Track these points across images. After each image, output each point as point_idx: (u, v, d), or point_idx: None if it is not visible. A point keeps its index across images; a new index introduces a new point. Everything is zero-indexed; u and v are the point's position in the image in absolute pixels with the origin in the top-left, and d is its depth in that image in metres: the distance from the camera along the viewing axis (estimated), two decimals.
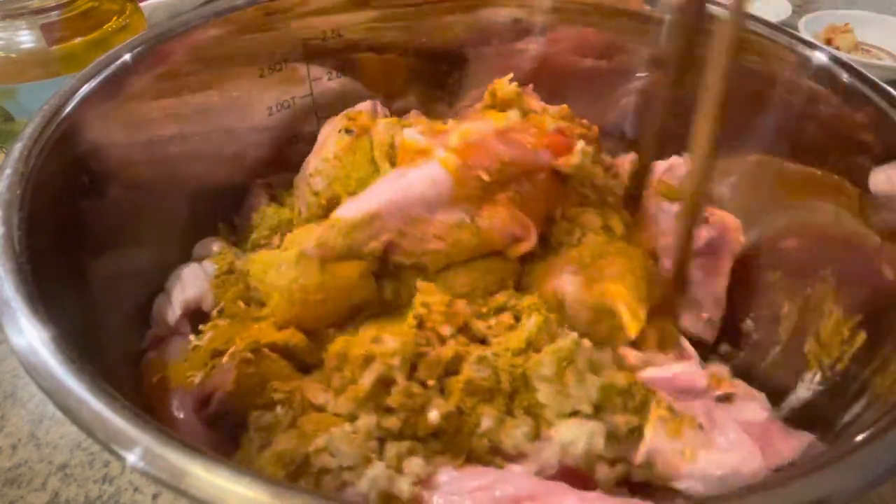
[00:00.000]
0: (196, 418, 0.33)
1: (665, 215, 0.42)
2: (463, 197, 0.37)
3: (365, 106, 0.47)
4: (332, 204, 0.41)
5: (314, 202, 0.42)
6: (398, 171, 0.38)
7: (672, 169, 0.45)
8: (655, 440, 0.31)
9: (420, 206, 0.36)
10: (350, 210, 0.37)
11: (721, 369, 0.38)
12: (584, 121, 0.45)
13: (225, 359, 0.34)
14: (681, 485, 0.31)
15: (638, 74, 0.49)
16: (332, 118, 0.47)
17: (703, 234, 0.41)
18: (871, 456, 0.23)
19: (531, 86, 0.47)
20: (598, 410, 0.31)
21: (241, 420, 0.32)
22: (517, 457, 0.31)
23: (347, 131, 0.44)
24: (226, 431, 0.33)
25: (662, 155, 0.45)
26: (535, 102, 0.46)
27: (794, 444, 0.32)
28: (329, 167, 0.42)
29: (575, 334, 0.33)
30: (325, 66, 0.49)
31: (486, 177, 0.37)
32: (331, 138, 0.45)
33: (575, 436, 0.31)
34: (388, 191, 0.37)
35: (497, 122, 0.40)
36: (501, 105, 0.44)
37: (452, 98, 0.53)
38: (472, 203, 0.37)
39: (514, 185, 0.38)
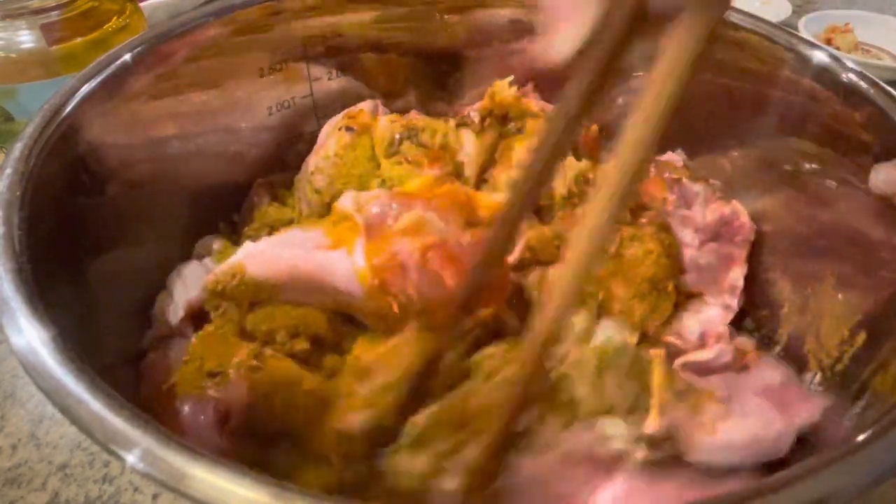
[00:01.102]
0: (218, 434, 0.32)
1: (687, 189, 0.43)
2: (372, 310, 0.35)
3: (365, 105, 0.47)
4: (335, 204, 0.41)
5: (316, 200, 0.42)
6: (321, 241, 0.35)
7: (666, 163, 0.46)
8: (675, 415, 0.32)
9: (330, 288, 0.34)
10: (258, 265, 0.34)
11: (747, 342, 0.38)
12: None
13: (231, 372, 0.33)
14: (700, 456, 0.31)
15: (635, 74, 0.49)
16: (332, 118, 0.47)
17: (713, 217, 0.41)
18: (871, 456, 0.23)
19: (531, 85, 0.47)
20: (631, 412, 0.32)
21: (267, 427, 0.32)
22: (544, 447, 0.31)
23: (348, 129, 0.44)
24: (253, 440, 0.32)
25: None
26: (534, 103, 0.46)
27: (813, 404, 0.33)
28: (330, 165, 0.43)
29: (625, 335, 0.33)
30: (326, 66, 0.49)
31: (395, 308, 0.34)
32: (331, 137, 0.45)
33: (618, 432, 0.31)
34: (303, 260, 0.34)
35: (425, 238, 0.35)
36: (500, 107, 0.44)
37: (452, 97, 0.53)
38: (383, 319, 0.35)
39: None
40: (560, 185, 0.41)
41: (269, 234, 0.43)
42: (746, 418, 0.32)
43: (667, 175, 0.44)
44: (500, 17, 0.50)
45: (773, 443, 0.31)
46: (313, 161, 0.44)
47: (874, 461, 0.22)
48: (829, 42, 0.84)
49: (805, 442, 0.32)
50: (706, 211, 0.42)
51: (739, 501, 0.21)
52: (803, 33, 0.81)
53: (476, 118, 0.46)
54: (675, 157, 0.47)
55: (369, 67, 0.50)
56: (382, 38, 0.49)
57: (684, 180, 0.43)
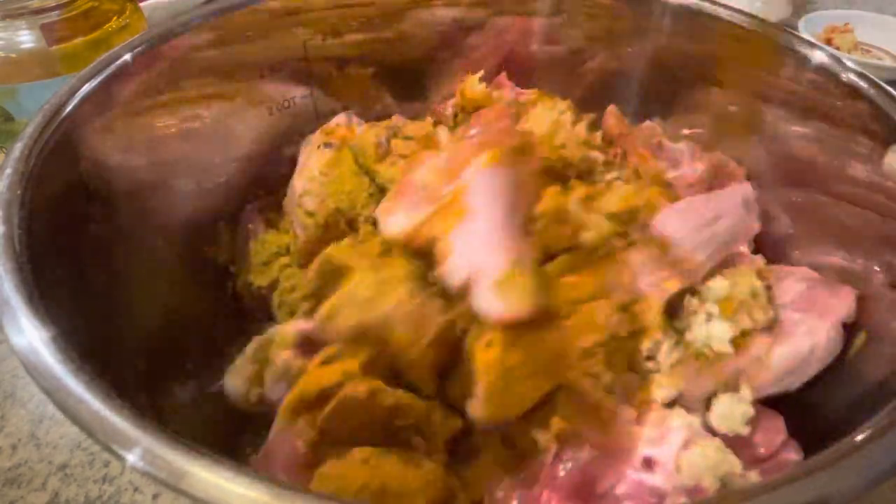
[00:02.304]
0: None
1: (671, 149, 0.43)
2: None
3: (339, 119, 0.47)
4: (331, 221, 0.40)
5: (311, 223, 0.41)
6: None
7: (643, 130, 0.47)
8: (730, 362, 0.32)
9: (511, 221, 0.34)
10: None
11: (757, 259, 0.38)
12: (568, 101, 0.45)
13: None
14: (764, 392, 0.32)
15: (589, 53, 0.50)
16: (308, 137, 0.47)
17: (703, 167, 0.42)
18: (871, 456, 0.23)
19: (504, 74, 0.47)
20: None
21: None
22: None
23: (327, 145, 0.44)
24: None
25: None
26: (507, 91, 0.45)
27: (842, 296, 0.34)
28: (317, 185, 0.42)
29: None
30: (326, 66, 0.49)
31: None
32: (312, 156, 0.44)
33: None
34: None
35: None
36: (471, 103, 0.44)
37: (426, 97, 0.52)
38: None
39: None
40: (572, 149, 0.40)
41: (272, 284, 0.42)
42: (793, 336, 0.32)
43: (651, 141, 0.44)
44: (440, 16, 0.50)
45: (826, 348, 0.32)
46: (299, 184, 0.43)
47: (874, 461, 0.22)
48: (829, 42, 0.84)
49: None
50: (694, 164, 0.42)
51: (740, 501, 0.21)
52: (803, 33, 0.81)
53: (450, 113, 0.45)
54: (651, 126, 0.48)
55: (355, 74, 0.50)
56: (368, 43, 0.49)
57: (664, 142, 0.44)
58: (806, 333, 0.32)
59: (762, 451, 0.31)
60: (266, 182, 0.48)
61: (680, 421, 0.31)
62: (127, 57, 0.39)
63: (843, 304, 0.33)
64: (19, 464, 0.40)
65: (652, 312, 0.33)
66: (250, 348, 0.36)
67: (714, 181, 0.42)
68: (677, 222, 0.35)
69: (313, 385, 0.31)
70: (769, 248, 0.41)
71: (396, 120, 0.47)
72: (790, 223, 0.41)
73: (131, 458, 0.21)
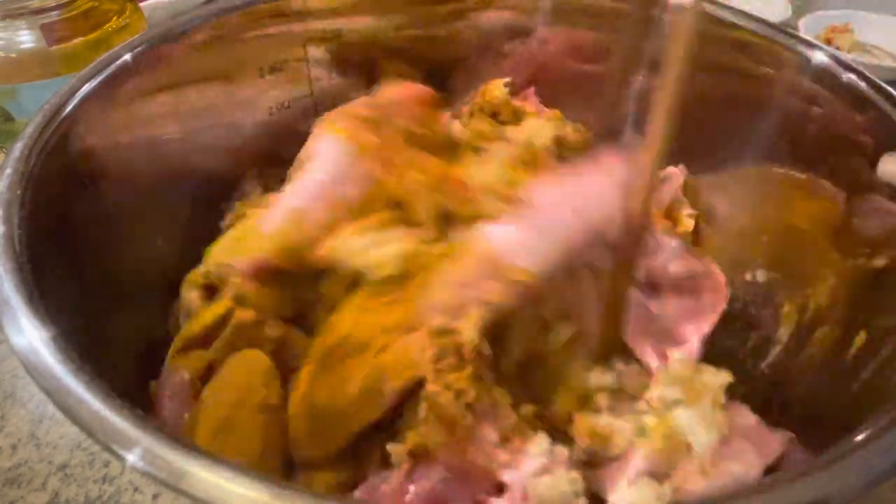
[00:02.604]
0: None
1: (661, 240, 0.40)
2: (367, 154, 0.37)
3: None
4: None
5: None
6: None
7: (667, 180, 0.45)
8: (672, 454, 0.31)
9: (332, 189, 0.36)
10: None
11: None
12: (579, 125, 0.45)
13: None
14: (686, 499, 0.31)
15: (632, 78, 0.49)
16: (325, 114, 0.47)
17: (683, 266, 0.39)
18: (871, 456, 0.22)
19: (532, 89, 0.47)
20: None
21: None
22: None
23: None
24: None
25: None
26: (531, 106, 0.45)
27: (779, 440, 0.33)
28: None
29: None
30: (326, 66, 0.49)
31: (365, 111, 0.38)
32: None
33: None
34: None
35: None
36: (490, 105, 0.44)
37: (449, 100, 0.52)
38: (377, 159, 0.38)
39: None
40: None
41: None
42: (735, 462, 0.31)
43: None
44: (493, 20, 0.49)
45: (751, 481, 0.31)
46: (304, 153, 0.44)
47: (874, 461, 0.22)
48: (829, 42, 0.84)
49: None
50: (674, 262, 0.39)
51: (738, 501, 0.21)
52: (803, 33, 0.81)
53: (465, 111, 0.46)
54: (676, 172, 0.46)
55: (369, 70, 0.50)
56: (382, 41, 0.49)
57: (659, 235, 0.40)
58: (743, 461, 0.31)
59: None
60: (266, 182, 0.48)
61: (540, 448, 0.30)
62: (127, 57, 0.39)
63: (776, 448, 0.32)
64: (19, 464, 0.40)
65: (468, 330, 0.31)
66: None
67: (689, 282, 0.40)
68: (508, 233, 0.33)
69: (202, 319, 0.34)
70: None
71: None
72: (787, 307, 0.40)
73: (131, 458, 0.21)
